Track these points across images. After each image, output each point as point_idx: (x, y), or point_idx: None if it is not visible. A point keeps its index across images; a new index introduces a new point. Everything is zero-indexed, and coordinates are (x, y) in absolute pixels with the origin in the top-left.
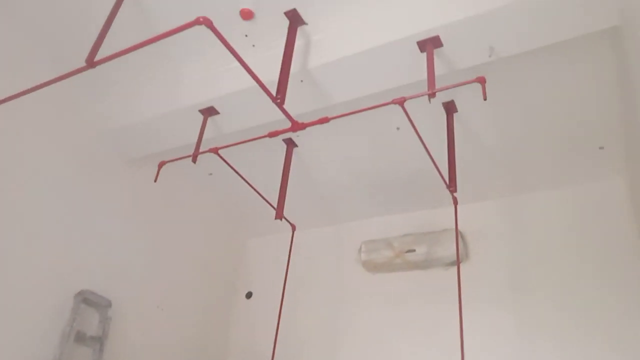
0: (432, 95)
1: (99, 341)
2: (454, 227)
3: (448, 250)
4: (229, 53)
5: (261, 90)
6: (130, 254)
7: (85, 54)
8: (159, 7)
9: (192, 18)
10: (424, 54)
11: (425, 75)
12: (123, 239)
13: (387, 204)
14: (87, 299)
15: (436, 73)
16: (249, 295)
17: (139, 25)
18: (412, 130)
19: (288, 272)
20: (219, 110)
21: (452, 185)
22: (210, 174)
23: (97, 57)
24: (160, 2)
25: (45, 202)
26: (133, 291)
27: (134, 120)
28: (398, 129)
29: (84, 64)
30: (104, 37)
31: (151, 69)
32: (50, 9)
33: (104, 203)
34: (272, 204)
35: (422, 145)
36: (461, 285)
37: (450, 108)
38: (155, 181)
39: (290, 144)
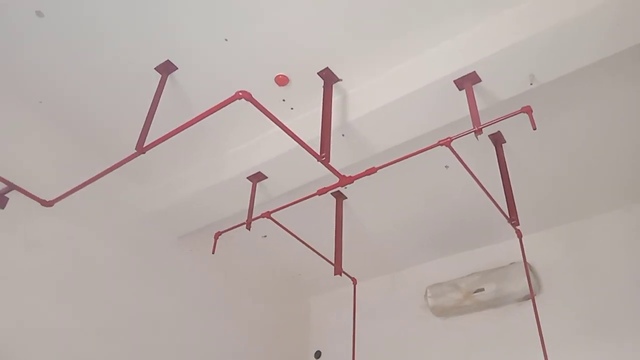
0: (478, 132)
1: None
2: (520, 260)
3: (518, 285)
4: (262, 117)
5: (305, 151)
6: (195, 333)
7: (119, 142)
8: (196, 85)
9: (229, 91)
10: (463, 91)
11: (467, 112)
12: (187, 318)
13: (447, 245)
14: None
15: (478, 108)
16: (317, 354)
17: (179, 106)
18: (462, 167)
19: (355, 326)
20: (267, 174)
21: (513, 218)
22: (265, 236)
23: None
24: (196, 80)
25: (109, 291)
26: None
27: (183, 196)
28: (447, 167)
29: (127, 152)
30: (150, 124)
31: (195, 145)
32: (86, 107)
33: (160, 283)
34: (330, 260)
35: (474, 182)
36: (539, 321)
37: (498, 139)
38: (213, 252)
39: (340, 196)
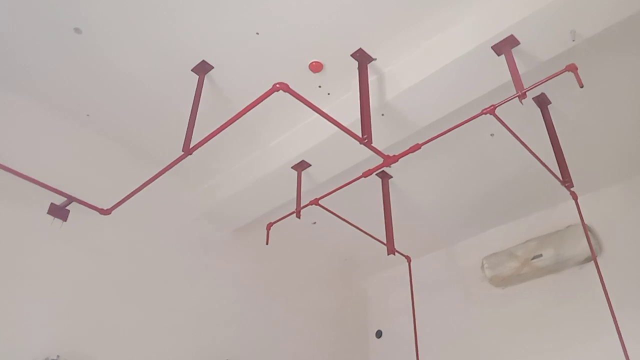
0: (522, 96)
1: None
2: (577, 222)
3: (577, 247)
4: (301, 106)
5: (347, 135)
6: (255, 323)
7: (165, 146)
8: (233, 82)
9: (266, 84)
10: (502, 57)
11: (507, 77)
12: (249, 309)
13: (500, 214)
14: None
15: (519, 71)
16: (378, 334)
17: (218, 105)
18: (508, 134)
19: (414, 304)
20: (310, 162)
21: (566, 180)
22: (314, 222)
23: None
24: (233, 76)
25: (171, 289)
26: (270, 353)
27: (232, 192)
28: (492, 135)
29: (175, 154)
30: (194, 125)
31: (238, 140)
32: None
33: (218, 277)
34: (382, 240)
35: (522, 147)
36: (604, 282)
37: (543, 101)
38: (267, 243)
39: (385, 176)
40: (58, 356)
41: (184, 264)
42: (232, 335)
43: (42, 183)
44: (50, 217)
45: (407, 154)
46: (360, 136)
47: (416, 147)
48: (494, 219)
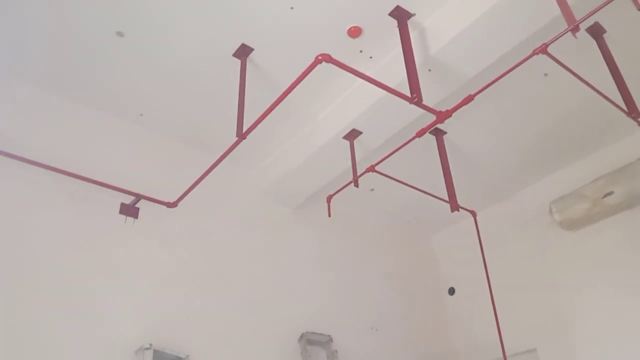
0: (575, 29)
1: None
2: None
3: None
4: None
5: (395, 97)
6: (332, 292)
7: (218, 133)
8: (275, 60)
9: (307, 57)
10: None
11: (556, 12)
12: (321, 280)
13: (563, 156)
14: (310, 340)
15: (569, 2)
16: (451, 291)
17: (263, 85)
18: (563, 71)
19: (484, 258)
20: (361, 129)
21: (632, 111)
22: (372, 189)
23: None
24: (273, 55)
25: (241, 270)
26: (347, 320)
27: (288, 170)
28: (546, 75)
29: (228, 140)
30: (244, 110)
31: (287, 118)
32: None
33: (286, 254)
34: (443, 198)
35: (579, 83)
36: None
37: (597, 31)
38: (329, 216)
39: (439, 133)
40: (150, 344)
41: (252, 245)
42: (309, 307)
43: (111, 185)
44: (123, 217)
45: (460, 107)
46: (410, 96)
47: (469, 99)
48: (557, 160)
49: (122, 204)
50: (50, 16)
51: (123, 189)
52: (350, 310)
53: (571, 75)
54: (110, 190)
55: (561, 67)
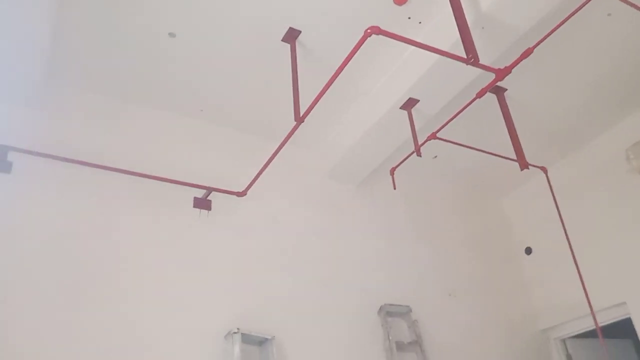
0: None
1: (418, 344)
2: None
3: None
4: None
5: (451, 61)
6: (406, 262)
7: (274, 119)
8: (324, 38)
9: (354, 32)
10: None
11: None
12: (394, 252)
13: (634, 99)
14: (389, 312)
15: None
16: (528, 251)
17: (314, 66)
18: (628, 8)
19: (560, 214)
20: (417, 98)
21: None
22: (435, 156)
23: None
24: (322, 34)
25: (316, 244)
26: (424, 290)
27: (348, 147)
28: (609, 15)
29: (286, 125)
30: (298, 94)
31: (341, 95)
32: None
33: (356, 229)
34: (511, 157)
35: None
36: None
37: None
38: (394, 188)
39: (500, 91)
40: (238, 329)
41: (322, 224)
42: (385, 280)
43: (182, 182)
44: (197, 210)
45: (519, 62)
46: (466, 57)
47: (528, 52)
48: (629, 104)
49: (194, 198)
50: (107, 25)
51: (194, 184)
52: (426, 280)
53: (637, 11)
54: (182, 186)
55: (625, 4)
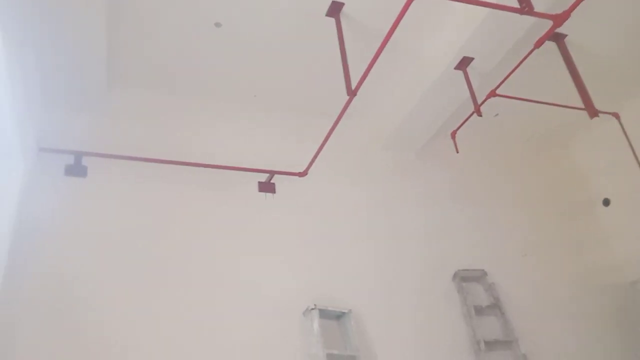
0: None
1: (497, 307)
2: None
3: None
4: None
5: (503, 13)
6: (480, 226)
7: (324, 96)
8: (366, 8)
9: None
10: None
11: None
12: (466, 216)
13: None
14: (464, 277)
15: None
16: (606, 202)
17: (361, 37)
18: None
19: (638, 160)
20: (472, 56)
21: None
22: (496, 114)
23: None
24: (363, 2)
25: (385, 215)
26: (498, 252)
27: (404, 113)
28: None
29: (338, 100)
30: (348, 68)
31: (392, 64)
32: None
33: (425, 193)
34: (578, 106)
35: None
36: None
37: None
38: (457, 152)
39: (559, 38)
40: (315, 305)
41: (386, 195)
42: (457, 245)
43: (245, 168)
44: (263, 194)
45: (577, 5)
46: (519, 6)
47: None
48: None
49: (259, 182)
50: (155, 24)
51: (256, 169)
52: (499, 241)
53: None
54: (245, 172)
55: None
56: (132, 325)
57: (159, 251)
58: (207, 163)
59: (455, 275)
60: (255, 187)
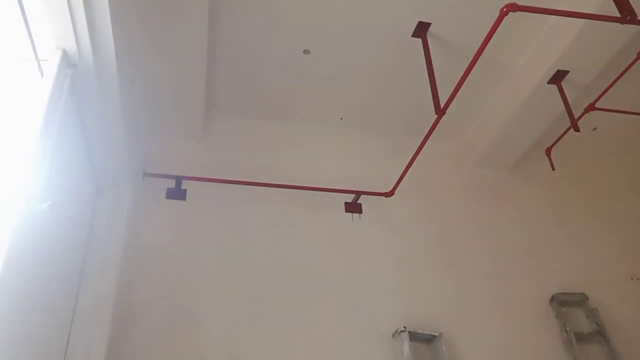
0: None
1: (600, 334)
2: None
3: None
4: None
5: (602, 23)
6: (579, 243)
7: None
8: (454, 26)
9: (487, 12)
10: None
11: None
12: (566, 234)
13: None
14: (562, 301)
15: None
16: None
17: (446, 55)
18: None
19: None
20: (566, 69)
21: None
22: (594, 128)
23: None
24: (451, 21)
25: (473, 235)
26: (601, 274)
27: (497, 129)
28: None
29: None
30: (436, 86)
31: (483, 79)
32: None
33: (518, 213)
34: None
35: None
36: None
37: None
38: (553, 169)
39: None
40: (405, 327)
41: (476, 214)
42: (556, 267)
43: (332, 189)
44: (349, 214)
45: None
46: (620, 15)
47: None
48: None
49: (345, 203)
50: (249, 55)
51: (343, 189)
52: (603, 263)
53: None
54: (332, 193)
55: None
56: (232, 335)
57: (252, 268)
58: (296, 185)
59: (553, 299)
60: (342, 207)
